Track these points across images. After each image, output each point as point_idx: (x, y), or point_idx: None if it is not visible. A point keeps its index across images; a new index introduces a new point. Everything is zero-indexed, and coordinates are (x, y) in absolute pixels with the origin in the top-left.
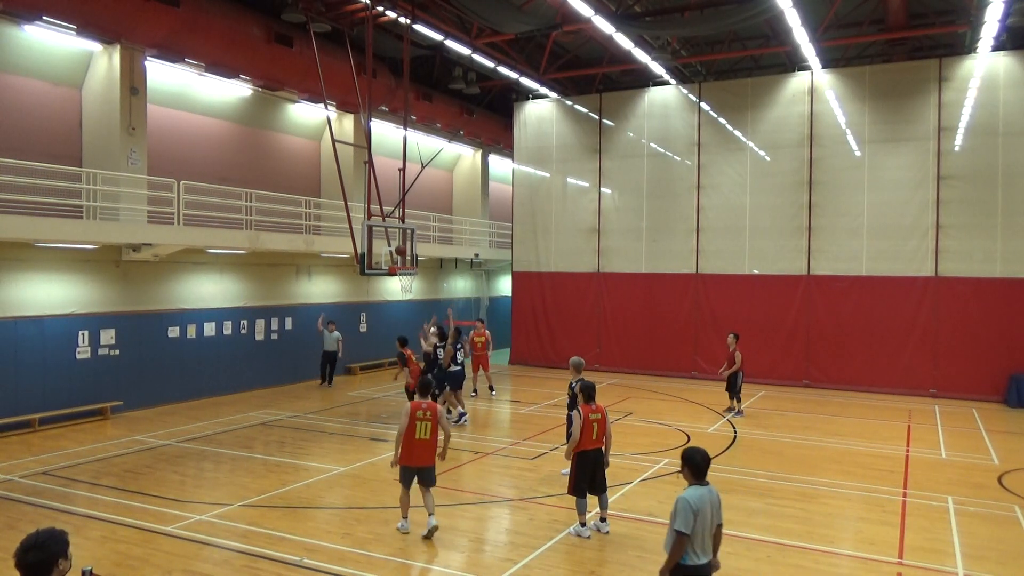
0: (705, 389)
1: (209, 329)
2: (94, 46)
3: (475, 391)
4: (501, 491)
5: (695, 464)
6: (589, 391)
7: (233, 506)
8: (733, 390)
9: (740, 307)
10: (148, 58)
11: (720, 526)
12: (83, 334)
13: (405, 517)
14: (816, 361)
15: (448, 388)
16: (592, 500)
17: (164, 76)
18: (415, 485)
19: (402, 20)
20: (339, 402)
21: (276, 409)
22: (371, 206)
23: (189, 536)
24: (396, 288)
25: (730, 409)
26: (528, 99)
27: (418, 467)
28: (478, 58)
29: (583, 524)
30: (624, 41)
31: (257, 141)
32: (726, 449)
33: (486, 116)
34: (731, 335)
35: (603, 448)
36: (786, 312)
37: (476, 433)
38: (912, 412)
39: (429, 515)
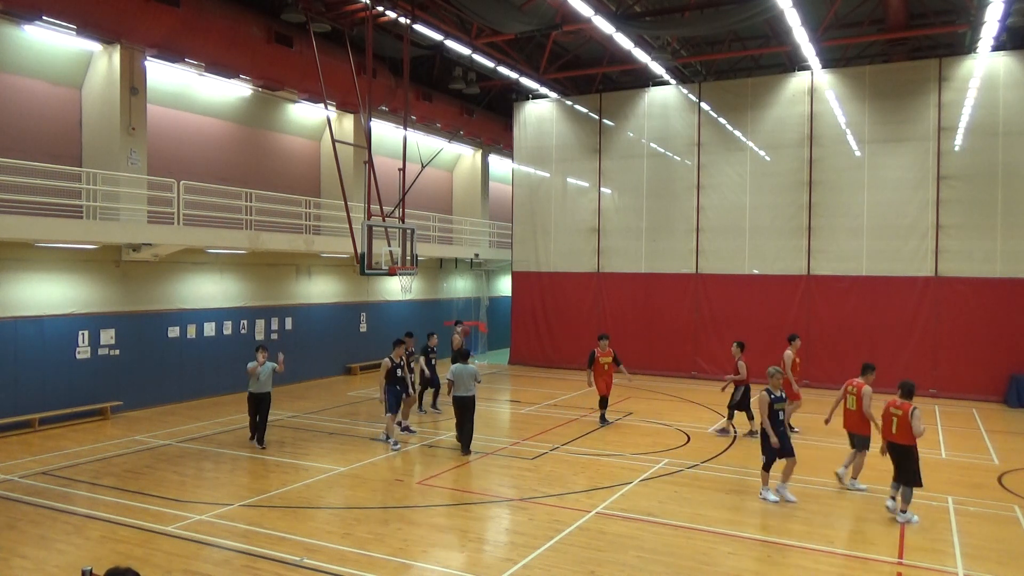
0: (705, 389)
1: (209, 329)
2: (94, 46)
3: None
4: (501, 491)
5: (461, 354)
6: (908, 389)
7: (233, 506)
8: (739, 406)
9: (740, 307)
10: (148, 58)
11: (478, 380)
12: (83, 334)
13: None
14: (816, 361)
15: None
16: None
17: (164, 76)
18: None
19: (402, 20)
20: (339, 402)
21: (276, 409)
22: (371, 206)
23: (189, 536)
24: (396, 288)
25: (724, 431)
26: (528, 99)
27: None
28: (478, 58)
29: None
30: (624, 41)
31: (257, 141)
32: (726, 449)
33: (486, 116)
34: (735, 344)
35: (902, 442)
36: (786, 312)
37: (476, 433)
38: None
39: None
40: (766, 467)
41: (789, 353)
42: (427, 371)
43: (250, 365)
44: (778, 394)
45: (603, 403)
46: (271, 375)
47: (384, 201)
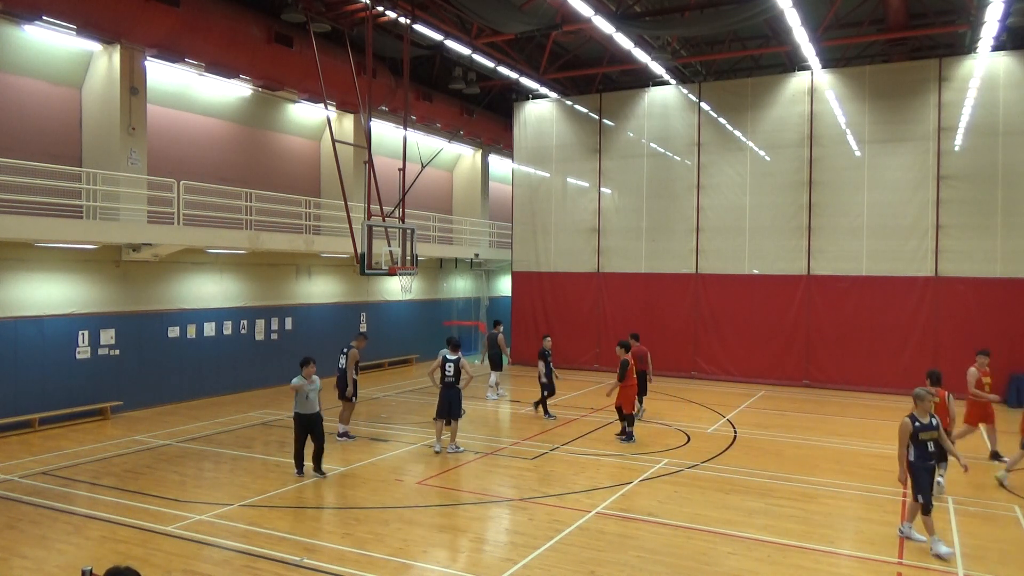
0: (705, 389)
1: (209, 329)
2: (94, 46)
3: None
4: (501, 491)
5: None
6: (937, 376)
7: (233, 506)
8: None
9: (740, 307)
10: (148, 58)
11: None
12: (83, 334)
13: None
14: (816, 361)
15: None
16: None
17: (164, 76)
18: None
19: (402, 20)
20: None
21: (276, 409)
22: (371, 206)
23: (189, 536)
24: (396, 288)
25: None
26: (528, 99)
27: None
28: (478, 58)
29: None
30: (624, 41)
31: (257, 141)
32: (726, 449)
33: (486, 116)
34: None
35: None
36: (786, 312)
37: (476, 433)
38: None
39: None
40: (925, 510)
41: (974, 371)
42: (544, 378)
43: (295, 381)
44: (925, 421)
45: (627, 419)
46: (319, 393)
47: (384, 201)
